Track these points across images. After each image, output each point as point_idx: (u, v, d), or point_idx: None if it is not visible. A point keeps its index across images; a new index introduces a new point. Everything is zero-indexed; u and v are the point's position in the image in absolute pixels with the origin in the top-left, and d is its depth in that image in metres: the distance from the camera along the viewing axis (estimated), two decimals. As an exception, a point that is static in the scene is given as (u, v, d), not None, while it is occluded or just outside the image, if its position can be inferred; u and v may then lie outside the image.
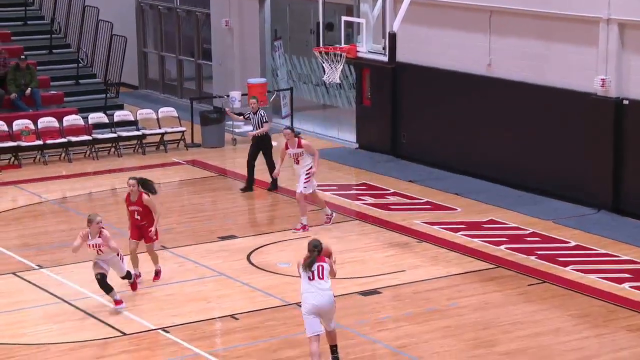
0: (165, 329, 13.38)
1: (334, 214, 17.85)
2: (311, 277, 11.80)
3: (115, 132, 23.40)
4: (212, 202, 19.56)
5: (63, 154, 22.76)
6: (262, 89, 24.47)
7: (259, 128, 19.92)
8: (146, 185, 14.81)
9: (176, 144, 23.74)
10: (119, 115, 23.91)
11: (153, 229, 14.67)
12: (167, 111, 24.35)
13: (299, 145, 17.51)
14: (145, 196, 14.65)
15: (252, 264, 15.92)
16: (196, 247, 16.71)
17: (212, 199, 19.77)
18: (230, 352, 12.68)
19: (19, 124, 22.62)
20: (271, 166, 19.62)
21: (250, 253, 16.39)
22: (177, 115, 24.16)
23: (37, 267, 15.75)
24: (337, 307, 13.06)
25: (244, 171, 20.57)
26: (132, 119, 23.97)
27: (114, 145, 23.27)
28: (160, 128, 23.75)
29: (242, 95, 24.50)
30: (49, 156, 22.64)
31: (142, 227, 14.76)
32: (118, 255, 13.97)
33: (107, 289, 13.92)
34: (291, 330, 13.30)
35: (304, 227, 17.40)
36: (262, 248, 16.70)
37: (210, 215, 18.79)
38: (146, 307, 14.11)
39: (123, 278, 14.30)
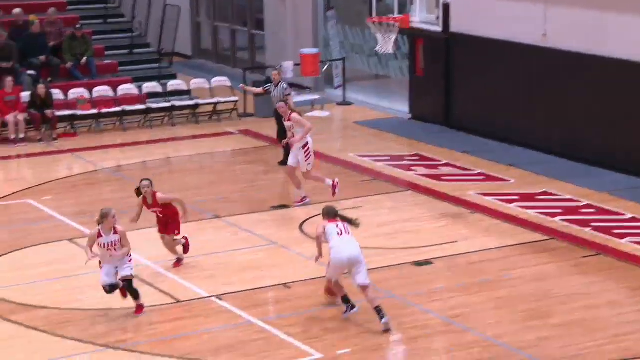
0: (219, 296, 13.48)
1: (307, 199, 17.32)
2: (340, 233, 12.41)
3: (169, 102, 23.54)
4: (264, 172, 19.62)
5: (118, 123, 22.95)
6: (315, 59, 24.43)
7: (281, 99, 19.65)
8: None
9: (229, 114, 23.82)
10: (172, 85, 24.04)
11: (181, 213, 14.21)
12: (220, 81, 24.43)
13: (288, 119, 17.20)
14: (159, 195, 14.14)
15: (305, 234, 15.96)
16: (249, 216, 16.78)
17: (264, 169, 19.82)
18: (281, 321, 12.74)
19: (74, 93, 22.84)
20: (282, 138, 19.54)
21: (303, 223, 16.43)
22: (230, 85, 24.22)
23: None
24: (390, 277, 13.04)
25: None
26: (186, 88, 24.10)
27: (167, 114, 23.41)
28: (213, 98, 23.84)
29: (295, 65, 24.47)
30: (103, 125, 22.85)
31: (169, 223, 14.30)
32: (129, 255, 12.90)
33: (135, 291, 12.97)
34: (343, 299, 13.32)
35: (303, 199, 17.23)
36: (315, 218, 16.73)
37: (263, 184, 18.85)
38: (200, 275, 14.22)
39: (123, 281, 12.83)
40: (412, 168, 19.60)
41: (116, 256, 12.70)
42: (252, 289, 13.75)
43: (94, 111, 22.72)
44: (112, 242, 12.63)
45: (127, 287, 12.80)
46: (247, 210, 17.09)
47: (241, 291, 13.68)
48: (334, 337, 12.25)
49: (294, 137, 17.12)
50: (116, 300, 13.36)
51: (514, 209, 16.92)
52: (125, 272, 12.76)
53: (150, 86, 23.75)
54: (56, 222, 16.63)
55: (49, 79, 23.19)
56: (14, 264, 14.70)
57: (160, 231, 14.41)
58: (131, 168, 20.00)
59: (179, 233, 14.40)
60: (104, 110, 22.80)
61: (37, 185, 18.68)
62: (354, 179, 18.93)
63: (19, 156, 21.02)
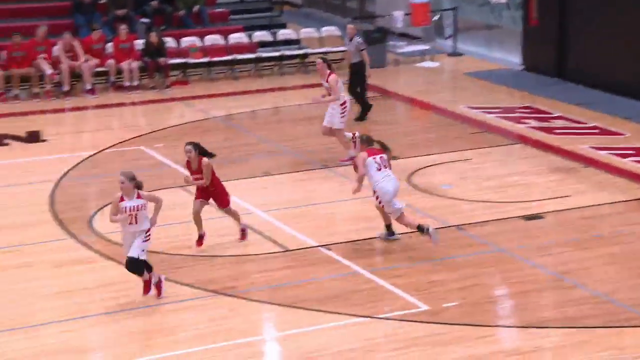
0: (327, 246, 13.54)
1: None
2: (379, 168, 13.09)
3: (279, 51, 23.59)
4: (372, 123, 19.54)
5: (228, 71, 23.11)
6: (426, 9, 24.13)
7: (357, 55, 19.37)
8: (203, 150, 13.56)
9: (338, 64, 23.74)
10: (282, 34, 24.07)
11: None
12: (329, 30, 24.35)
13: (327, 80, 16.97)
14: (205, 160, 13.41)
15: (413, 185, 15.88)
16: (357, 167, 16.76)
17: (373, 120, 19.73)
18: (388, 272, 12.75)
19: (186, 41, 23.07)
20: (360, 93, 19.32)
21: (411, 174, 16.35)
22: (339, 34, 24.12)
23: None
24: (498, 231, 12.93)
25: (406, 92, 20.41)
26: (295, 37, 24.10)
27: (277, 63, 23.48)
28: (322, 47, 23.78)
29: (405, 15, 24.22)
30: (214, 73, 23.05)
31: (211, 192, 13.52)
32: (146, 231, 11.76)
33: (139, 270, 11.92)
34: (450, 252, 13.26)
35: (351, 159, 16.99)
36: (424, 169, 16.63)
37: (371, 135, 18.75)
38: (308, 225, 14.30)
39: (130, 262, 11.83)
40: (524, 120, 19.29)
41: (134, 229, 11.70)
42: (359, 240, 13.77)
43: (206, 59, 22.93)
44: (133, 206, 11.65)
45: (130, 267, 11.77)
46: (356, 161, 17.06)
47: (349, 241, 13.71)
48: (440, 290, 12.21)
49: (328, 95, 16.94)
50: (225, 248, 13.54)
51: (628, 163, 16.53)
52: (132, 251, 11.70)
53: (260, 35, 23.83)
54: (167, 169, 16.90)
55: (162, 27, 23.46)
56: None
57: (200, 197, 13.53)
58: (241, 117, 20.15)
59: (226, 205, 13.57)
60: (215, 59, 22.98)
61: (149, 133, 18.99)
62: (463, 131, 18.74)
63: (133, 103, 21.39)
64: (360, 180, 13.40)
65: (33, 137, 18.76)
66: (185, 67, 22.83)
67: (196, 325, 11.37)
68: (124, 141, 18.35)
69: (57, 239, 13.80)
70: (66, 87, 21.54)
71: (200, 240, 13.56)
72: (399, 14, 24.32)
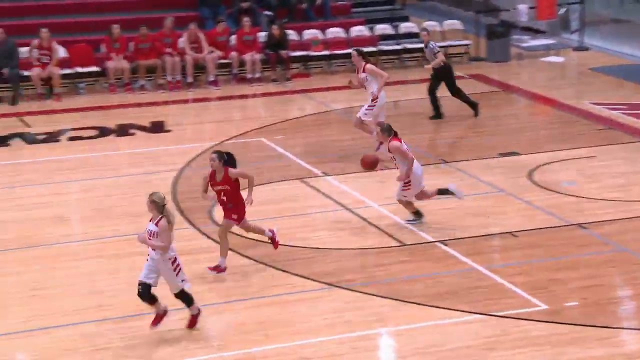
0: (444, 242, 13.43)
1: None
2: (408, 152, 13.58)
3: (400, 44, 23.49)
4: (493, 118, 19.31)
5: (349, 64, 23.12)
6: (552, 2, 23.72)
7: (432, 60, 19.10)
8: (230, 159, 12.31)
9: (460, 58, 23.54)
10: (404, 27, 23.96)
11: (249, 199, 12.27)
12: (452, 24, 24.14)
13: (363, 70, 16.74)
14: (231, 170, 12.19)
15: (534, 182, 15.62)
16: (476, 162, 16.59)
17: (494, 115, 19.50)
18: (507, 269, 12.56)
19: (308, 34, 23.19)
20: (455, 94, 18.99)
21: (533, 170, 16.08)
22: (462, 28, 23.89)
23: (321, 174, 16.19)
24: (623, 230, 12.63)
25: (528, 87, 20.07)
26: (417, 31, 23.94)
27: (398, 57, 23.38)
28: (444, 41, 23.60)
29: (530, 8, 23.83)
30: (335, 66, 23.10)
31: (228, 210, 12.39)
32: (172, 260, 10.76)
33: (148, 299, 10.91)
34: (572, 250, 13.00)
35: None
36: (546, 166, 16.34)
37: (491, 130, 18.57)
38: (425, 220, 14.19)
39: (176, 296, 10.97)
40: (650, 118, 18.79)
41: (154, 255, 10.74)
42: (477, 236, 13.61)
43: (327, 52, 22.99)
44: (149, 232, 10.81)
45: (139, 291, 10.80)
46: (474, 156, 16.89)
47: (466, 237, 13.57)
48: (561, 289, 11.97)
49: (365, 89, 16.80)
50: (341, 241, 13.55)
51: None
52: (170, 287, 10.80)
53: (382, 28, 23.78)
54: (287, 160, 17.01)
55: (285, 19, 23.63)
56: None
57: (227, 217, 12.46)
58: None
59: (241, 218, 12.47)
60: (336, 52, 23.02)
61: (270, 125, 19.15)
62: (588, 128, 18.35)
63: (254, 95, 21.61)
64: (411, 167, 13.49)
65: (157, 127, 19.13)
66: (307, 59, 22.94)
67: (313, 317, 11.42)
68: (245, 132, 18.55)
69: (178, 228, 13.99)
70: (190, 79, 21.90)
71: (217, 268, 12.39)
72: (523, 7, 23.96)
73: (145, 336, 10.94)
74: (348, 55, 22.94)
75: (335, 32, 23.35)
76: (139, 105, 20.69)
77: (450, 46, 23.55)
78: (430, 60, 19.03)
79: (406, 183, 13.70)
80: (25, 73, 21.04)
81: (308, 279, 12.41)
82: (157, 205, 10.67)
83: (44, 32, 21.13)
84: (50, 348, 10.73)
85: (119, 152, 17.71)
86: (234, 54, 22.18)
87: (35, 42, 21.18)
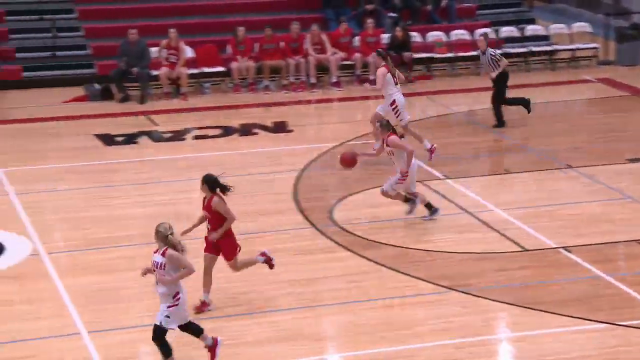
0: (567, 248, 13.14)
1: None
2: None
3: (526, 47, 23.13)
4: (622, 123, 18.84)
5: (472, 67, 22.88)
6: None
7: (492, 67, 18.46)
8: (215, 184, 11.31)
9: (588, 61, 23.05)
10: (530, 30, 23.60)
11: (215, 234, 11.27)
12: (580, 26, 23.67)
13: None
14: (215, 199, 11.25)
15: (663, 189, 15.18)
16: (603, 168, 16.19)
17: (623, 120, 19.03)
18: (633, 278, 12.21)
19: (432, 36, 23.04)
20: (499, 103, 18.49)
21: (661, 177, 15.64)
22: (590, 30, 23.39)
23: (442, 177, 16.05)
24: None
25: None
26: (544, 33, 23.58)
27: (523, 60, 23.04)
28: (572, 44, 23.15)
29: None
30: (459, 68, 22.89)
31: (218, 241, 11.38)
32: (173, 295, 10.01)
33: (161, 346, 10.16)
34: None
35: (431, 149, 16.26)
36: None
37: (619, 136, 18.11)
38: (548, 225, 13.92)
39: (181, 329, 10.23)
40: None
41: (162, 284, 10.05)
42: (602, 243, 13.27)
43: (450, 54, 22.80)
44: (155, 263, 10.08)
45: (153, 336, 10.13)
46: (602, 162, 16.49)
47: (591, 244, 13.24)
48: (689, 300, 11.58)
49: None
50: (462, 244, 13.39)
51: None
52: (157, 317, 10.10)
53: (507, 30, 23.46)
54: (408, 163, 16.91)
55: (409, 21, 23.53)
56: (364, 202, 15.09)
57: (207, 250, 11.46)
58: (483, 113, 19.90)
59: (233, 255, 11.46)
60: (460, 54, 22.82)
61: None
62: None
63: (377, 97, 21.49)
64: (410, 158, 13.67)
65: (279, 127, 19.27)
66: (430, 61, 22.80)
67: (430, 320, 11.31)
68: (367, 134, 18.52)
69: (298, 228, 14.10)
70: (312, 80, 22.00)
71: (202, 306, 11.47)
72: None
73: (257, 334, 11.01)
74: (472, 58, 22.76)
75: (459, 34, 23.14)
76: (263, 105, 20.89)
77: (578, 49, 23.10)
78: (487, 67, 18.62)
79: (403, 176, 13.76)
80: (154, 72, 21.49)
81: (426, 281, 12.30)
82: (161, 235, 10.03)
83: (172, 32, 21.54)
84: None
85: (242, 151, 17.91)
86: (357, 55, 22.19)
87: (164, 42, 21.60)
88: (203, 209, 11.42)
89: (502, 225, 13.98)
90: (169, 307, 9.99)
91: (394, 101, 16.46)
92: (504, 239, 13.55)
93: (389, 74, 16.40)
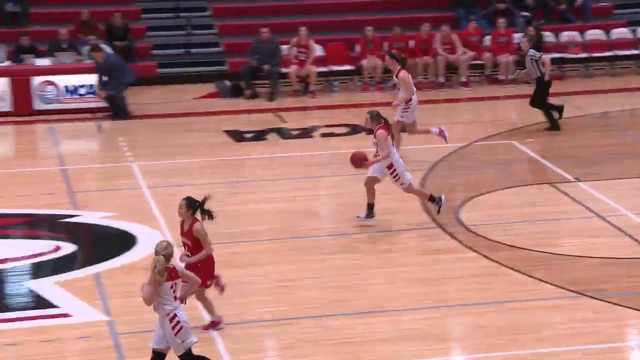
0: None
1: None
2: (392, 143, 13.78)
3: (662, 48, 22.50)
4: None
5: (607, 68, 22.35)
6: None
7: (535, 69, 17.79)
8: (199, 208, 10.53)
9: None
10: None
11: (190, 258, 10.51)
12: None
13: (396, 75, 16.20)
14: (197, 225, 10.51)
15: None
16: None
17: None
18: None
19: (566, 36, 22.60)
20: (539, 106, 18.06)
21: None
22: None
23: (574, 180, 15.70)
24: None
25: None
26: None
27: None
28: None
29: None
30: (593, 69, 22.38)
31: (198, 269, 10.31)
32: (170, 317, 9.24)
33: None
34: None
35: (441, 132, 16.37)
36: None
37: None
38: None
39: (181, 358, 9.41)
40: None
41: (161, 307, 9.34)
42: None
43: (584, 55, 22.31)
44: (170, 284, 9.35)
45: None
46: None
47: None
48: None
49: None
50: (589, 249, 13.07)
51: None
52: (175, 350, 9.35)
53: (646, 30, 22.86)
54: (537, 165, 16.61)
55: (542, 21, 23.13)
56: (495, 203, 14.89)
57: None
58: (619, 115, 19.43)
59: (207, 285, 10.59)
60: (595, 54, 22.31)
61: (520, 127, 18.77)
62: None
63: (507, 97, 21.26)
64: (385, 158, 13.51)
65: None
66: (563, 61, 22.35)
67: (558, 325, 11.06)
68: (495, 134, 18.28)
69: (424, 227, 13.98)
70: (441, 79, 21.82)
71: (212, 324, 10.89)
72: None
73: (383, 332, 10.96)
74: (607, 59, 22.24)
75: (594, 34, 22.62)
76: (389, 104, 20.78)
77: None
78: (529, 68, 18.04)
79: (394, 175, 13.66)
80: (284, 70, 21.67)
81: (555, 285, 12.04)
82: (155, 252, 9.35)
83: (303, 30, 21.69)
84: (291, 339, 10.88)
85: (368, 149, 17.85)
86: (487, 54, 21.92)
87: (294, 40, 21.76)
88: (182, 235, 10.61)
89: (635, 230, 13.57)
90: (173, 328, 9.23)
91: (410, 100, 16.44)
92: (636, 245, 13.15)
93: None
